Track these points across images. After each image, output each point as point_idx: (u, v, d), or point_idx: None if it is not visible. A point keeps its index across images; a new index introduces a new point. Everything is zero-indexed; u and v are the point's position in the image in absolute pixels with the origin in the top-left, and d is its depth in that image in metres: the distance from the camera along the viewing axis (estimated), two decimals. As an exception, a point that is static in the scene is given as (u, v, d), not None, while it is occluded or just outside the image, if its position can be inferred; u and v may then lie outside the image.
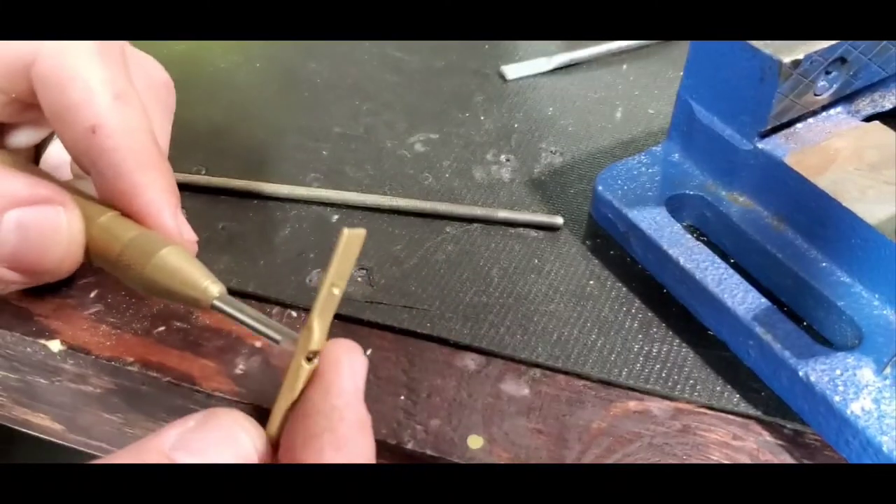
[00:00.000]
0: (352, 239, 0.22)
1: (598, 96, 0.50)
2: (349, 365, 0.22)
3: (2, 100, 0.27)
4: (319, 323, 0.23)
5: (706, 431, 0.32)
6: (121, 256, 0.25)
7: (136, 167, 0.25)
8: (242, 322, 0.24)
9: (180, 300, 0.25)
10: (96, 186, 0.27)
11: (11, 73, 0.26)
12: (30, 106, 0.27)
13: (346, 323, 0.36)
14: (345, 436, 0.20)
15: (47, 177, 0.28)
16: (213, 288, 0.25)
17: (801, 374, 0.31)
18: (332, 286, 0.22)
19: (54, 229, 0.24)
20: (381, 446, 0.32)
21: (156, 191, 0.26)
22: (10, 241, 0.24)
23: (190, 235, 0.28)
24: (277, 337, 0.24)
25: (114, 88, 0.25)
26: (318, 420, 0.20)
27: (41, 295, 0.36)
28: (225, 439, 0.21)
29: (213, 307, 0.24)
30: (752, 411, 0.32)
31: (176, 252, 0.25)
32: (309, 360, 0.23)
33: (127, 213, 0.26)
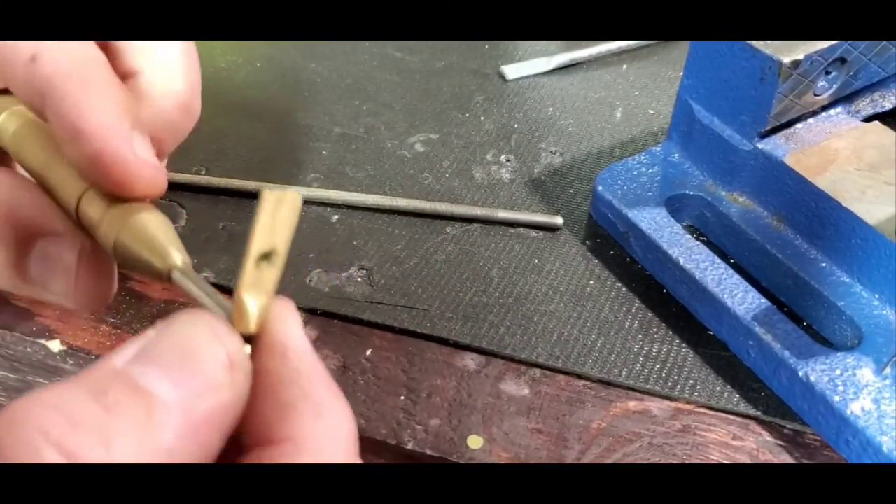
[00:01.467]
0: (280, 204, 0.19)
1: (598, 96, 0.50)
2: (296, 322, 0.20)
3: None
4: (252, 299, 0.19)
5: (706, 431, 0.32)
6: (106, 213, 0.23)
7: (81, 88, 0.23)
8: (196, 298, 0.21)
9: (142, 270, 0.22)
10: (51, 125, 0.24)
11: None
12: None
13: (346, 323, 0.36)
14: (321, 399, 0.18)
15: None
16: (175, 258, 0.22)
17: (800, 374, 0.31)
18: (262, 256, 0.19)
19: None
20: (381, 446, 0.32)
21: (101, 114, 0.22)
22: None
23: (150, 158, 0.24)
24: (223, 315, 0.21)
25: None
26: (289, 389, 0.18)
27: (41, 295, 0.36)
28: (190, 348, 0.18)
29: (171, 279, 0.22)
30: (751, 411, 0.32)
31: (155, 217, 0.23)
32: (247, 341, 0.19)
33: (80, 147, 0.23)
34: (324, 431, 0.18)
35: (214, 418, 0.17)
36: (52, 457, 0.15)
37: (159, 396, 0.16)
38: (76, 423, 0.15)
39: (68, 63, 0.23)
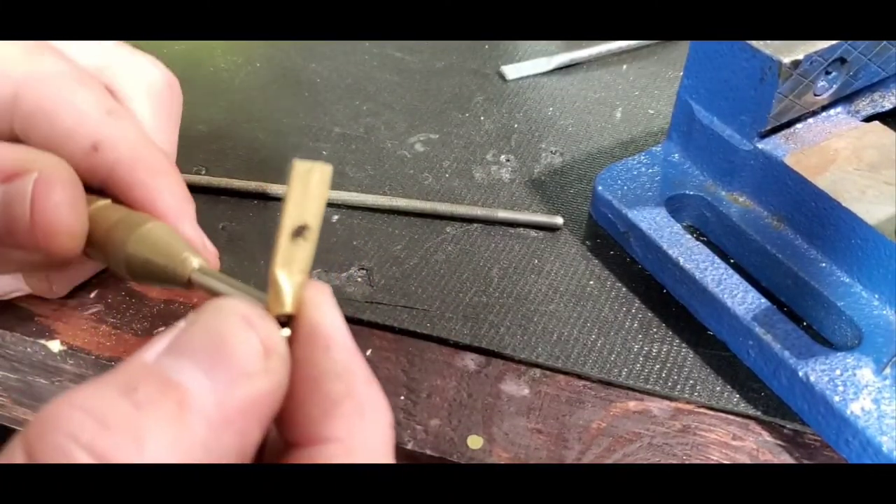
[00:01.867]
0: (311, 175, 0.18)
1: (598, 96, 0.50)
2: (336, 311, 0.19)
3: None
4: (288, 277, 0.18)
5: (706, 431, 0.32)
6: (109, 234, 0.23)
7: (146, 176, 0.25)
8: (223, 294, 0.20)
9: (161, 278, 0.22)
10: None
11: None
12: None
13: (346, 323, 0.36)
14: (365, 396, 0.18)
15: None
16: (192, 259, 0.22)
17: (800, 374, 0.31)
18: (296, 232, 0.18)
19: (21, 203, 0.23)
20: (381, 446, 0.32)
21: (170, 198, 0.25)
22: None
23: (211, 246, 0.26)
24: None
25: (104, 106, 0.25)
26: (333, 384, 0.17)
27: (41, 295, 0.36)
28: (220, 338, 0.17)
29: (192, 280, 0.21)
30: (751, 411, 0.32)
31: (161, 227, 0.23)
32: (283, 324, 0.19)
33: None
34: (369, 430, 0.18)
35: (251, 408, 0.17)
36: (84, 460, 0.14)
37: (191, 389, 0.16)
38: (107, 424, 0.15)
39: (129, 151, 0.25)
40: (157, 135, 0.28)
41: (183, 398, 0.16)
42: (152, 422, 0.15)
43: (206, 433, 0.16)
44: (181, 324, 0.17)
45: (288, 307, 0.18)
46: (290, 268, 0.18)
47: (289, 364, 0.18)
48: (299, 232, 0.18)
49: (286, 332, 0.18)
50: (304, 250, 0.18)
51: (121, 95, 0.28)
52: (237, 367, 0.17)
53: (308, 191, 0.18)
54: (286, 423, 0.18)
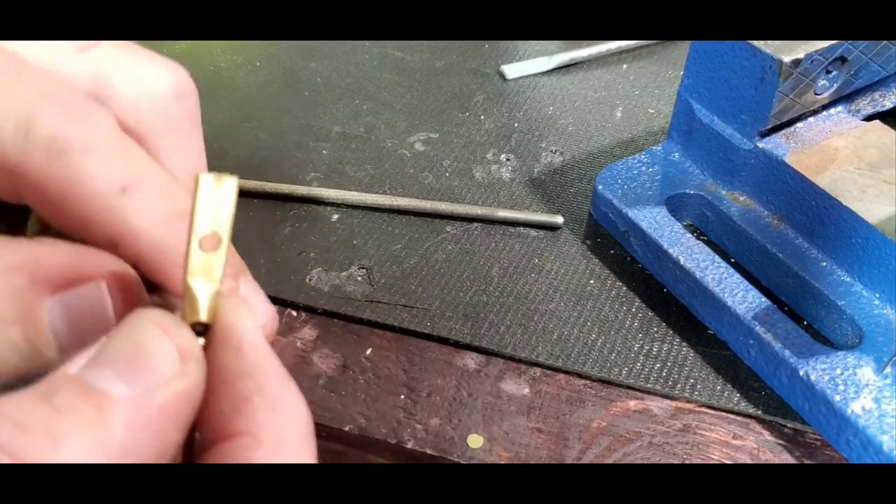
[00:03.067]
0: (215, 186, 0.18)
1: (598, 96, 0.50)
2: (249, 315, 0.19)
3: None
4: (201, 286, 0.19)
5: (706, 430, 0.32)
6: None
7: (175, 265, 0.21)
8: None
9: None
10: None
11: None
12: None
13: (346, 322, 0.36)
14: (276, 392, 0.18)
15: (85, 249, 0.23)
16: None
17: (801, 373, 0.31)
18: (205, 242, 0.19)
19: (102, 309, 0.21)
20: (382, 445, 0.32)
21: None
22: (64, 334, 0.21)
23: (266, 310, 0.23)
24: None
25: (118, 180, 0.20)
26: (243, 383, 0.18)
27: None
28: (138, 346, 0.17)
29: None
30: (752, 410, 0.32)
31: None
32: (199, 333, 0.19)
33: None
34: (281, 423, 0.18)
35: (168, 410, 0.17)
36: (1, 460, 0.15)
37: (110, 394, 0.16)
38: (23, 427, 0.15)
39: (152, 241, 0.21)
40: (174, 160, 0.25)
41: (102, 402, 0.16)
42: (70, 424, 0.16)
43: (124, 434, 0.16)
44: (102, 339, 0.18)
45: (203, 316, 0.19)
46: (202, 276, 0.19)
47: (204, 367, 0.18)
48: (209, 242, 0.19)
49: (201, 340, 0.19)
50: (216, 260, 0.19)
51: (122, 116, 0.23)
52: (155, 371, 0.17)
53: (215, 201, 0.19)
54: (202, 423, 0.19)
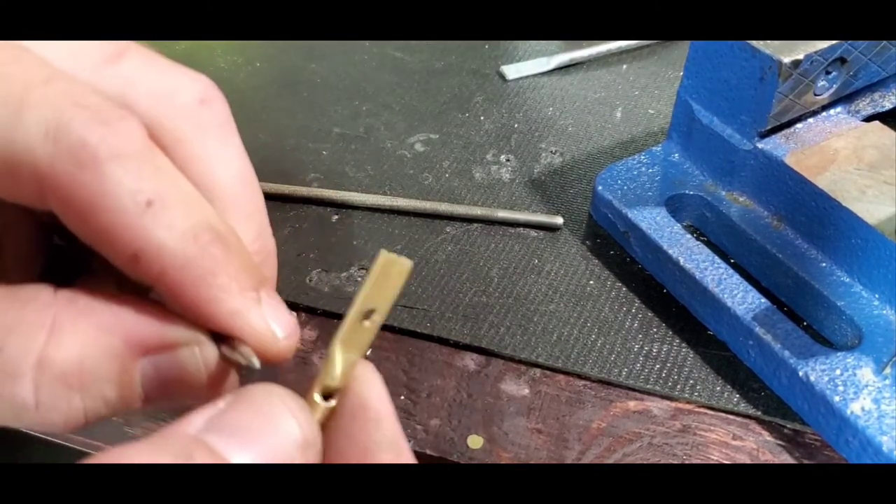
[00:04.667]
0: (391, 266, 0.19)
1: (598, 96, 0.50)
2: (382, 387, 0.19)
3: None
4: (343, 354, 0.19)
5: (706, 431, 0.32)
6: None
7: (199, 284, 0.20)
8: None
9: None
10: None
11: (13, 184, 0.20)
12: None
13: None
14: (410, 461, 0.19)
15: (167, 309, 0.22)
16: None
17: (800, 373, 0.31)
18: (364, 315, 0.19)
19: (195, 370, 0.21)
20: (382, 446, 0.32)
21: (229, 300, 0.21)
22: (153, 389, 0.21)
23: (286, 327, 0.22)
24: (255, 363, 0.20)
25: (144, 193, 0.20)
26: (385, 454, 0.19)
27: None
28: (265, 421, 0.18)
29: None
30: (751, 411, 0.32)
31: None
32: (326, 398, 0.19)
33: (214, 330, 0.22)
34: None
35: None
36: None
37: (233, 462, 0.17)
38: None
39: (174, 258, 0.20)
40: (211, 167, 0.24)
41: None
42: None
43: None
44: (220, 403, 0.18)
45: (337, 381, 0.20)
46: (350, 345, 0.20)
47: (321, 457, 0.19)
48: (367, 315, 0.20)
49: (331, 402, 0.20)
50: (367, 333, 0.20)
51: (150, 127, 0.22)
52: (280, 451, 0.18)
53: (385, 280, 0.20)
54: None
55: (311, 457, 0.18)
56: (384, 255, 0.19)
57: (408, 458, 0.19)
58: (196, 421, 0.17)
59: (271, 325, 0.21)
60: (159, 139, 0.22)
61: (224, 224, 0.22)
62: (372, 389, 0.19)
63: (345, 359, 0.20)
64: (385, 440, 0.19)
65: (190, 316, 0.21)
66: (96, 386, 0.19)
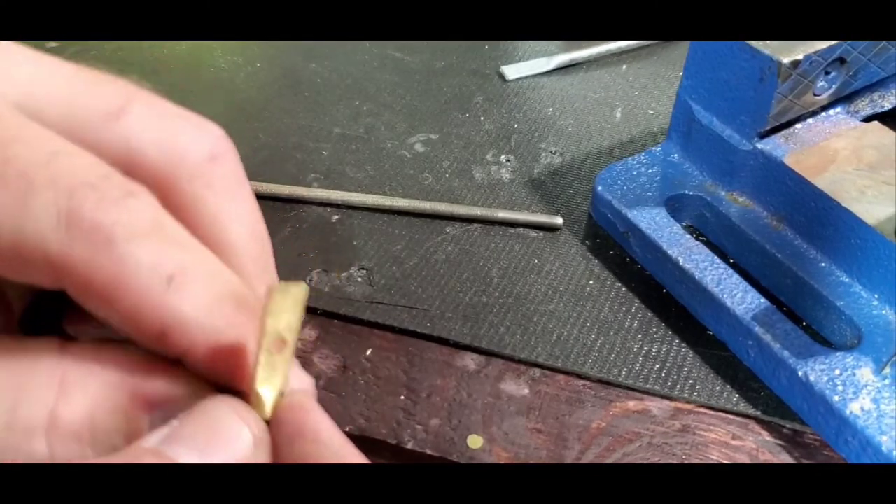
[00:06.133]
0: (286, 296, 0.19)
1: (598, 96, 0.50)
2: (318, 408, 0.20)
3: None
4: (268, 391, 0.20)
5: (705, 431, 0.32)
6: None
7: (228, 355, 0.20)
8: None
9: None
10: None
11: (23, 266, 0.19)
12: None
13: (346, 323, 0.36)
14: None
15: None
16: None
17: (800, 373, 0.31)
18: (274, 347, 0.19)
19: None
20: (382, 446, 0.32)
21: (258, 380, 0.21)
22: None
23: (304, 384, 0.22)
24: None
25: (165, 268, 0.19)
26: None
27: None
28: (217, 427, 0.19)
29: None
30: (751, 411, 0.32)
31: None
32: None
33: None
34: None
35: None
36: None
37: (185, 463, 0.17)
38: None
39: (203, 334, 0.20)
40: (224, 227, 0.23)
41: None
42: None
43: None
44: (173, 421, 0.19)
45: (267, 414, 0.20)
46: (270, 382, 0.20)
47: (270, 457, 0.20)
48: (276, 345, 0.20)
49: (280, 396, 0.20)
50: (283, 363, 0.20)
51: (158, 190, 0.21)
52: (231, 452, 0.18)
53: (283, 310, 0.20)
54: None
55: (262, 457, 0.19)
56: (274, 287, 0.19)
57: (357, 461, 0.19)
58: (151, 438, 0.18)
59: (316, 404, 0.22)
60: (170, 199, 0.22)
61: (244, 287, 0.21)
62: (307, 415, 0.20)
63: (270, 395, 0.20)
64: (329, 453, 0.19)
65: (221, 382, 0.21)
66: (107, 439, 0.20)
